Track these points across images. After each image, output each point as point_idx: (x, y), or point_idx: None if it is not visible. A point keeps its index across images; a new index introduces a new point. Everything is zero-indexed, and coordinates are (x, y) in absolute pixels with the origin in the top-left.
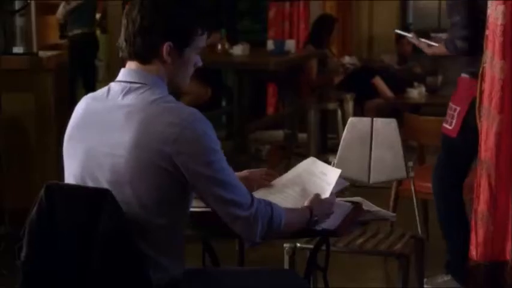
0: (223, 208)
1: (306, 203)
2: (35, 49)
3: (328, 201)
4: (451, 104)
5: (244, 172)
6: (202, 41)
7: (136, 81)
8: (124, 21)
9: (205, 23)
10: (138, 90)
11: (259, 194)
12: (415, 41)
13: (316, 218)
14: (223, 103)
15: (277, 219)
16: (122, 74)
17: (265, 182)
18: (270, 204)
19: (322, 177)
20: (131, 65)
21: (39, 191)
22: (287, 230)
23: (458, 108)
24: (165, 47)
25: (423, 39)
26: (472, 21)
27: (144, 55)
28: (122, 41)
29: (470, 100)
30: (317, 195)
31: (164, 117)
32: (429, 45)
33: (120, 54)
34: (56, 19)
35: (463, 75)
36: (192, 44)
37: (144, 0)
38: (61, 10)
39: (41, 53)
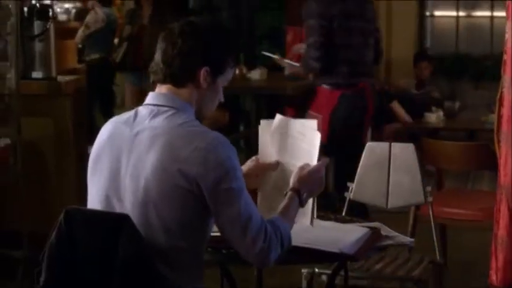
0: (237, 237)
1: (290, 184)
2: (53, 74)
3: (312, 173)
4: (310, 111)
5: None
6: (231, 73)
7: (164, 104)
8: (162, 45)
9: (236, 57)
10: (165, 113)
11: (267, 191)
12: (280, 61)
13: (305, 196)
14: (241, 127)
15: (285, 237)
16: (151, 98)
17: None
18: (277, 225)
19: (302, 138)
20: (162, 89)
21: (57, 215)
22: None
23: (320, 116)
24: (202, 72)
25: (286, 60)
26: (325, 44)
27: (180, 78)
28: (156, 64)
29: (331, 109)
30: (300, 171)
31: (190, 141)
32: (291, 65)
33: (152, 78)
34: (75, 44)
35: (324, 86)
36: (224, 73)
37: (185, 25)
38: (80, 35)
39: (60, 78)
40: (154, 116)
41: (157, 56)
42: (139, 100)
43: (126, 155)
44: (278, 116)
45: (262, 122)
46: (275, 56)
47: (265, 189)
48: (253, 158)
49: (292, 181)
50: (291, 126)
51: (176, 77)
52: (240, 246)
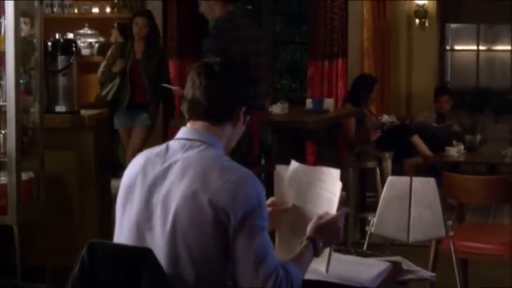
0: (249, 273)
1: (307, 233)
2: (76, 108)
3: (330, 223)
4: None
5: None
6: (258, 104)
7: (197, 139)
8: (204, 82)
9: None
10: (198, 147)
11: (285, 235)
12: (178, 91)
13: (320, 246)
14: (262, 161)
15: (296, 284)
16: (183, 132)
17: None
18: (289, 270)
19: (322, 185)
20: (196, 124)
21: (80, 249)
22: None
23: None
24: (242, 111)
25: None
26: None
27: (221, 116)
28: (196, 102)
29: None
30: (317, 220)
31: (222, 174)
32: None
33: (188, 113)
34: (97, 77)
35: None
36: (254, 109)
37: (231, 62)
38: (102, 68)
39: (83, 112)
40: (187, 149)
41: (196, 93)
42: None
43: (158, 185)
44: (295, 163)
45: (278, 167)
46: (174, 87)
47: (283, 232)
48: (270, 200)
49: (309, 229)
50: (311, 174)
51: (218, 115)
52: (249, 282)
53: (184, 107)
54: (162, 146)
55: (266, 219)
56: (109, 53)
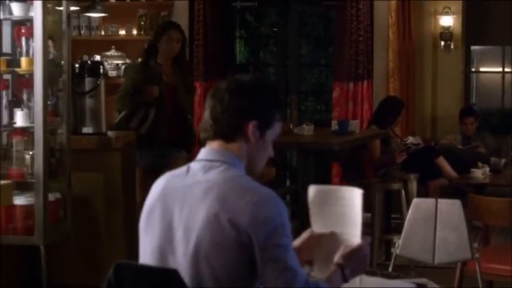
0: None
1: (335, 260)
2: (103, 129)
3: (356, 251)
4: None
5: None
6: (279, 128)
7: (217, 159)
8: (210, 103)
9: (282, 111)
10: (218, 168)
11: (322, 263)
12: None
13: (348, 273)
14: (288, 182)
15: None
16: (203, 153)
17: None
18: (318, 286)
19: (344, 203)
20: (213, 144)
21: (106, 270)
22: None
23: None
24: (250, 125)
25: None
26: None
27: (229, 133)
28: (206, 122)
29: None
30: (344, 248)
31: (243, 194)
32: None
33: (202, 135)
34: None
35: None
36: (272, 127)
37: (231, 83)
38: (120, 94)
39: (110, 133)
40: (208, 170)
41: (206, 114)
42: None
43: (180, 207)
44: (321, 188)
45: (311, 188)
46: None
47: (320, 260)
48: (308, 230)
49: (336, 257)
50: (334, 193)
51: (225, 132)
52: None
53: (199, 129)
54: (183, 168)
55: (289, 236)
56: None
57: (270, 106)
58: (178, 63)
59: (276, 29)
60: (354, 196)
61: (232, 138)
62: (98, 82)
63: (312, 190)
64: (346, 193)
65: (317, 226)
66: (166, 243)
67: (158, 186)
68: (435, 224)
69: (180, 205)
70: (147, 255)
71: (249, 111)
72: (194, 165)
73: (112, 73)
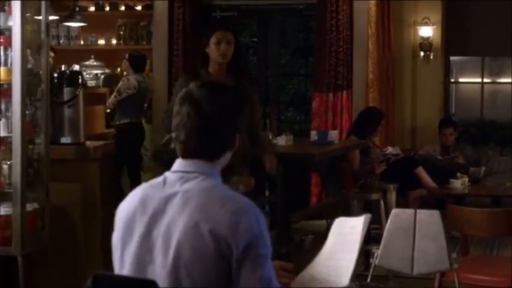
0: None
1: None
2: (82, 139)
3: None
4: None
5: None
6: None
7: (194, 171)
8: (196, 123)
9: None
10: (196, 179)
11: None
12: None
13: None
14: (267, 192)
15: None
16: (179, 165)
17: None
18: None
19: (352, 230)
20: (191, 160)
21: (84, 280)
22: None
23: None
24: (237, 138)
25: None
26: None
27: (219, 152)
28: (191, 143)
29: None
30: None
31: (222, 204)
32: None
33: (182, 153)
34: (103, 109)
35: None
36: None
37: (215, 99)
38: (112, 100)
39: (88, 143)
40: (185, 181)
41: (190, 135)
42: None
43: (158, 219)
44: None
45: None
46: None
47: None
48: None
49: None
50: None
51: (213, 152)
52: None
53: (177, 147)
54: (160, 179)
55: (269, 246)
56: (120, 85)
57: (244, 113)
58: (233, 70)
59: (255, 39)
60: (361, 223)
61: (219, 155)
62: (77, 92)
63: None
64: (356, 222)
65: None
66: (145, 254)
67: (135, 197)
68: (414, 235)
69: (159, 216)
70: (125, 266)
71: (236, 127)
72: (170, 176)
73: (91, 83)
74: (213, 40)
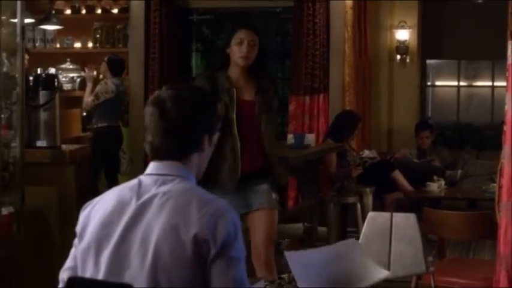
0: None
1: None
2: (58, 143)
3: None
4: None
5: None
6: (219, 123)
7: (169, 173)
8: (161, 125)
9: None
10: (172, 181)
11: None
12: None
13: None
14: None
15: None
16: (154, 168)
17: None
18: None
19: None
20: (163, 162)
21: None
22: None
23: None
24: (206, 139)
25: None
26: None
27: (187, 152)
28: (158, 144)
29: None
30: None
31: (200, 206)
32: None
33: (152, 155)
34: (79, 112)
35: None
36: (216, 132)
37: (177, 99)
38: (90, 103)
39: (64, 147)
40: (161, 184)
41: (156, 138)
42: None
43: (135, 222)
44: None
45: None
46: None
47: None
48: None
49: None
50: None
51: (182, 153)
52: None
53: (147, 149)
54: (134, 181)
55: (243, 251)
56: (97, 88)
57: (214, 114)
58: (256, 74)
59: None
60: None
61: (188, 156)
62: (52, 95)
63: None
64: None
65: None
66: (122, 258)
67: (110, 200)
68: (390, 238)
69: (136, 219)
70: (101, 270)
71: (202, 126)
72: (145, 179)
73: (67, 86)
74: (234, 39)
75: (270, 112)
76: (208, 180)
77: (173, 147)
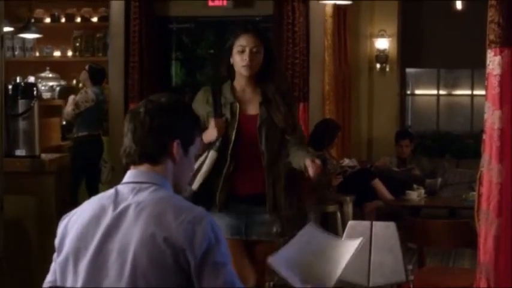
0: None
1: None
2: (37, 152)
3: None
4: None
5: None
6: (199, 142)
7: (145, 181)
8: (130, 127)
9: (200, 127)
10: (148, 189)
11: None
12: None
13: None
14: None
15: None
16: (130, 176)
17: None
18: None
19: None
20: (139, 167)
21: None
22: None
23: None
24: (175, 145)
25: None
26: None
27: (155, 155)
28: (129, 147)
29: None
30: None
31: (177, 214)
32: None
33: (125, 160)
34: (59, 121)
35: None
36: (194, 143)
37: (149, 103)
38: (70, 112)
39: (43, 156)
40: (137, 192)
41: (128, 139)
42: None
43: (112, 232)
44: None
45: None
46: None
47: None
48: None
49: None
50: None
51: (151, 154)
52: None
53: (121, 155)
54: (111, 191)
55: (226, 254)
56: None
57: (189, 123)
58: (264, 85)
59: (212, 51)
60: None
61: (158, 160)
62: (32, 104)
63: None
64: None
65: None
66: (100, 267)
67: (87, 211)
68: (370, 247)
69: (113, 228)
70: (79, 279)
71: (171, 130)
72: (122, 188)
73: (46, 95)
74: (236, 47)
75: (274, 125)
76: (207, 201)
77: (143, 150)
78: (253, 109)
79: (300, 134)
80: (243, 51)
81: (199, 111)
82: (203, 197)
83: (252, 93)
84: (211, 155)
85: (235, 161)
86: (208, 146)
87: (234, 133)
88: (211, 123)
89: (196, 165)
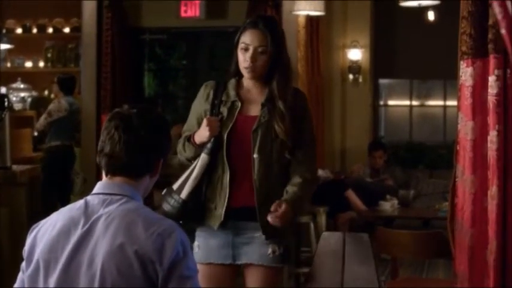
0: None
1: None
2: (8, 163)
3: None
4: None
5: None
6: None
7: (117, 193)
8: (123, 137)
9: None
10: (119, 201)
11: None
12: None
13: None
14: None
15: None
16: (100, 187)
17: None
18: None
19: None
20: (112, 179)
21: None
22: None
23: None
24: (160, 163)
25: None
26: None
27: (140, 171)
28: (114, 152)
29: None
30: None
31: (147, 226)
32: None
33: (105, 168)
34: (30, 132)
35: None
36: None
37: (146, 118)
38: (42, 121)
39: (15, 167)
40: (108, 203)
41: (116, 148)
42: None
43: (83, 243)
44: None
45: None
46: None
47: None
48: None
49: None
50: None
51: (137, 170)
52: None
53: (102, 162)
54: (81, 202)
55: (193, 269)
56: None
57: (170, 140)
58: (270, 86)
59: (185, 62)
60: None
61: (140, 175)
62: (3, 115)
63: None
64: None
65: None
66: (71, 279)
67: (57, 222)
68: (343, 257)
69: (83, 240)
70: None
71: (161, 149)
72: (92, 199)
73: (18, 106)
74: (240, 43)
75: (273, 133)
76: (197, 213)
77: (130, 163)
78: (255, 110)
79: (305, 158)
80: (246, 50)
81: (197, 109)
82: (193, 208)
83: (258, 94)
84: (202, 158)
85: (230, 168)
86: (201, 149)
87: (226, 134)
88: (204, 122)
89: (187, 172)
